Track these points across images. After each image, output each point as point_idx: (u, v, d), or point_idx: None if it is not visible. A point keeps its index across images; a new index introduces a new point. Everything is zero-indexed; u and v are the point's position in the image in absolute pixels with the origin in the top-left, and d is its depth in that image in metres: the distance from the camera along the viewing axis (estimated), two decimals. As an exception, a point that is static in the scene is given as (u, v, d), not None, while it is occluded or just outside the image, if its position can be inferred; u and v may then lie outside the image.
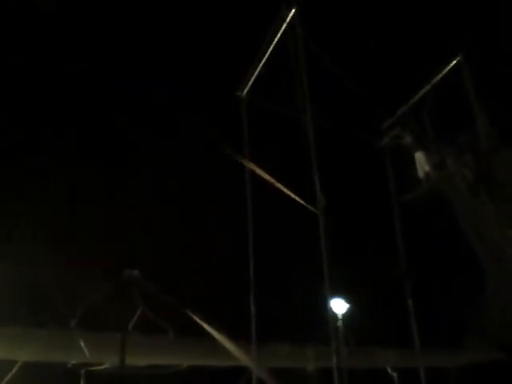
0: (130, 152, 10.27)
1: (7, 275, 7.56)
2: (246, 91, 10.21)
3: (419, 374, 9.37)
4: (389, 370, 10.40)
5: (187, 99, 10.29)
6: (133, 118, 10.20)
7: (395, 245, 10.51)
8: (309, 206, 7.92)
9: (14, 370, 6.95)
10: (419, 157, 10.62)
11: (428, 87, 10.81)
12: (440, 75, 10.73)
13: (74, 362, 7.33)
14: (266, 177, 8.66)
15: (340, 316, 9.37)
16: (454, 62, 10.55)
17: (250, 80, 10.10)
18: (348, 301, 9.59)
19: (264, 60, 9.70)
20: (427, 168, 10.37)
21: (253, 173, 9.18)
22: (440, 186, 10.97)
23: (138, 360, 7.67)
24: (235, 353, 6.81)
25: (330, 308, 9.21)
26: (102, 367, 7.42)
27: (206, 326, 7.18)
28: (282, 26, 9.58)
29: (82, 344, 7.28)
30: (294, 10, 9.65)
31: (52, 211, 9.05)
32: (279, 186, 8.33)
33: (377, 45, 12.25)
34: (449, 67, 10.64)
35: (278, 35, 9.64)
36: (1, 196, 8.62)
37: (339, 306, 9.40)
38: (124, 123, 10.19)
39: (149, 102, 9.71)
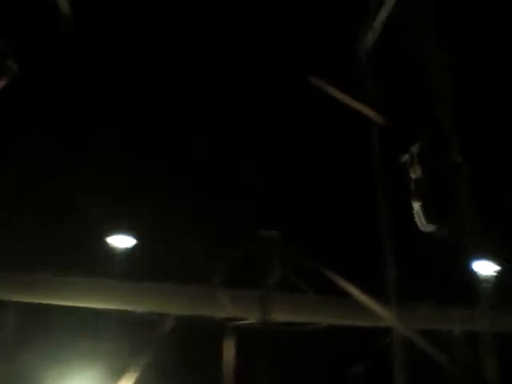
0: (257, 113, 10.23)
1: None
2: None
3: None
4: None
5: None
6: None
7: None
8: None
9: (168, 322, 7.51)
10: None
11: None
12: None
13: (220, 316, 7.72)
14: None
15: (487, 278, 8.79)
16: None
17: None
18: (495, 262, 8.94)
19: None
20: None
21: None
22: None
23: (279, 317, 7.89)
24: (378, 312, 6.71)
25: (476, 270, 8.70)
26: (246, 322, 7.75)
27: (346, 285, 7.16)
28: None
29: (224, 299, 7.64)
30: None
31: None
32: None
33: None
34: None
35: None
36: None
37: (486, 267, 8.80)
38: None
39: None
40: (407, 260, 8.98)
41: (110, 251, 8.08)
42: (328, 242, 9.23)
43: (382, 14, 9.39)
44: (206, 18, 9.85)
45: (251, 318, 7.78)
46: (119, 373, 7.37)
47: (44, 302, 7.21)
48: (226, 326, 7.63)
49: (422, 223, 7.23)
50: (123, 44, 9.35)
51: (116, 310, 7.63)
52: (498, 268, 8.93)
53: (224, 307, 7.60)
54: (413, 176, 7.50)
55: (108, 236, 8.10)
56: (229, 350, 7.65)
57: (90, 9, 9.10)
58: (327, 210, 9.89)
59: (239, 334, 7.65)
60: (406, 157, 7.78)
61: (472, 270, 8.41)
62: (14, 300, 7.29)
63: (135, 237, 8.31)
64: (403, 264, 8.93)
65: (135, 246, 8.33)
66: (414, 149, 7.55)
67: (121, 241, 8.18)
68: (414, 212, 7.29)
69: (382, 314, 6.93)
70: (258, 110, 9.70)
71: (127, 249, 8.20)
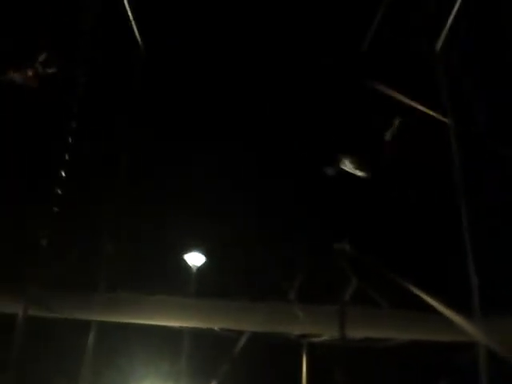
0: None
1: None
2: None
3: None
4: None
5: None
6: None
7: None
8: None
9: (243, 339, 7.53)
10: None
11: None
12: None
13: (295, 333, 7.66)
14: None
15: None
16: None
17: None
18: None
19: None
20: None
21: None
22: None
23: (355, 333, 7.71)
24: (461, 326, 6.40)
25: None
26: (321, 339, 7.64)
27: (426, 298, 6.89)
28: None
29: (300, 315, 7.57)
30: None
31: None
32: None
33: None
34: None
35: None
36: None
37: None
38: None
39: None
40: (491, 268, 8.56)
41: (186, 270, 8.22)
42: (403, 251, 8.96)
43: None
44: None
45: (327, 334, 7.66)
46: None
47: (124, 321, 7.40)
48: (302, 343, 7.55)
49: None
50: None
51: (193, 327, 7.73)
52: None
53: (300, 323, 7.53)
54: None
55: (184, 254, 8.25)
56: (305, 367, 7.57)
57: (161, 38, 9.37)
58: (400, 218, 9.62)
59: (316, 351, 7.55)
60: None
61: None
62: (96, 319, 7.50)
63: (208, 254, 8.42)
64: (487, 272, 8.52)
65: (208, 264, 8.43)
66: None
67: (195, 259, 8.31)
68: None
69: (465, 327, 6.60)
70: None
71: (202, 267, 8.32)
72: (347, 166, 8.88)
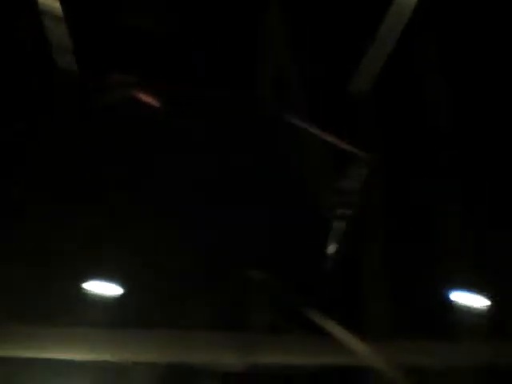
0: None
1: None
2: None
3: None
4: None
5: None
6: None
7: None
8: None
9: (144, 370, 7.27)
10: None
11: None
12: None
13: (203, 361, 7.53)
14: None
15: (472, 309, 8.74)
16: None
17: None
18: (482, 294, 8.92)
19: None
20: None
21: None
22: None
23: (266, 359, 7.70)
24: (362, 351, 6.57)
25: (461, 301, 8.66)
26: (230, 367, 7.55)
27: (328, 324, 7.03)
28: None
29: (207, 344, 7.45)
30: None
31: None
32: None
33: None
34: None
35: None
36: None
37: (470, 298, 8.77)
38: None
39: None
40: (394, 292, 8.92)
41: (86, 298, 7.87)
42: (310, 276, 9.13)
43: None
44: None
45: (237, 361, 7.58)
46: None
47: (16, 355, 6.94)
48: (209, 373, 7.42)
49: None
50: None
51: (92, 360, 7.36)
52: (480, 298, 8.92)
53: (207, 352, 7.42)
54: None
55: (84, 282, 7.90)
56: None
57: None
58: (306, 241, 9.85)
59: (227, 379, 7.45)
60: None
61: (453, 300, 8.42)
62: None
63: (112, 282, 8.12)
64: (392, 297, 8.85)
65: (112, 292, 8.13)
66: None
67: (97, 287, 7.99)
68: None
69: (360, 351, 6.78)
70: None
71: (103, 295, 8.00)
72: None
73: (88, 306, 7.94)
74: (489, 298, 8.59)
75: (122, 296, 8.20)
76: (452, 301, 8.40)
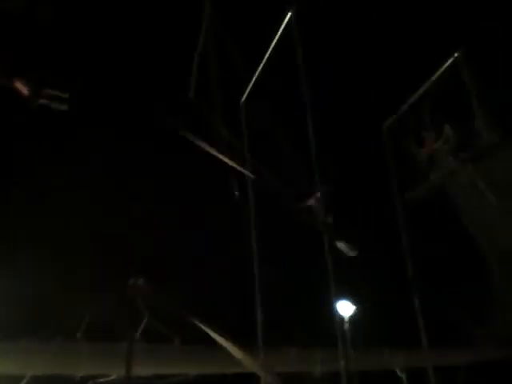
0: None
1: (8, 289, 7.55)
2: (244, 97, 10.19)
3: (428, 375, 9.31)
4: (398, 372, 10.35)
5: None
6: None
7: (400, 244, 10.44)
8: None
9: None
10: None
11: (427, 84, 10.78)
12: (439, 72, 10.67)
13: (81, 374, 7.30)
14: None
15: (347, 318, 9.31)
16: (452, 58, 10.48)
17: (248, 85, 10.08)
18: (354, 302, 9.53)
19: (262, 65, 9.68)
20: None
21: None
22: (442, 183, 11.06)
23: (145, 370, 7.64)
24: (242, 359, 6.76)
25: (337, 310, 9.18)
26: (109, 379, 7.40)
27: (211, 333, 7.12)
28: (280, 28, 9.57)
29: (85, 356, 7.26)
30: (290, 13, 9.64)
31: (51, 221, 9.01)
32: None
33: (376, 43, 12.18)
34: (447, 64, 10.58)
35: (276, 38, 9.62)
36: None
37: (346, 308, 9.34)
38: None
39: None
40: (273, 303, 9.23)
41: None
42: (197, 288, 9.22)
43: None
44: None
45: (116, 373, 7.45)
46: None
47: None
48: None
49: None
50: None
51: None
52: (356, 308, 9.54)
53: (86, 364, 7.21)
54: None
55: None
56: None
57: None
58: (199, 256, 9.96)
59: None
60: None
61: (334, 311, 8.85)
62: None
63: None
64: (270, 307, 9.15)
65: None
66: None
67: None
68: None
69: (244, 360, 6.98)
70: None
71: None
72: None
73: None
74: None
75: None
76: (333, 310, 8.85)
